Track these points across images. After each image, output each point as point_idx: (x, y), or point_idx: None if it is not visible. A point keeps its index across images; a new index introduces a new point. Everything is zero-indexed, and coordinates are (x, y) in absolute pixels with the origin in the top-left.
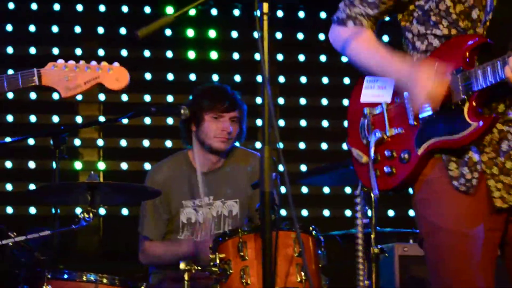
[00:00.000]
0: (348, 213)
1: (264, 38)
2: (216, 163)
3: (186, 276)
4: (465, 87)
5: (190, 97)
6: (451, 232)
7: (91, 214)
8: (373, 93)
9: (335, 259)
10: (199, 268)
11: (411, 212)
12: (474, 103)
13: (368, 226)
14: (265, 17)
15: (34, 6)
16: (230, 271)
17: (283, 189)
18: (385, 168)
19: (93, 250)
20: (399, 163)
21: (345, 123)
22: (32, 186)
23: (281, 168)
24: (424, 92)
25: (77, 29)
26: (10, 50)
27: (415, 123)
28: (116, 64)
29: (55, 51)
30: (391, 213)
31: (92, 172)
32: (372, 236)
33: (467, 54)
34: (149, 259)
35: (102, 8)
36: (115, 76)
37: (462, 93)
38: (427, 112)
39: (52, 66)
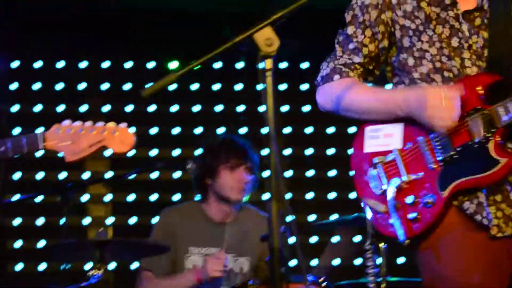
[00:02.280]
0: (358, 261)
1: (268, 93)
2: (229, 215)
3: None
4: (487, 125)
5: (201, 150)
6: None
7: (100, 271)
8: (379, 142)
9: None
10: None
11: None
12: (498, 140)
13: (379, 275)
14: (268, 73)
15: (38, 64)
16: None
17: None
18: (408, 215)
19: None
20: (423, 208)
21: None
22: (41, 243)
23: (289, 218)
24: (437, 113)
25: (82, 86)
26: (15, 108)
27: (435, 166)
28: (122, 125)
29: (60, 108)
30: (401, 260)
31: (101, 229)
32: (383, 286)
33: (483, 92)
34: None
35: (105, 64)
36: (121, 139)
37: (484, 131)
38: (448, 153)
39: (56, 129)
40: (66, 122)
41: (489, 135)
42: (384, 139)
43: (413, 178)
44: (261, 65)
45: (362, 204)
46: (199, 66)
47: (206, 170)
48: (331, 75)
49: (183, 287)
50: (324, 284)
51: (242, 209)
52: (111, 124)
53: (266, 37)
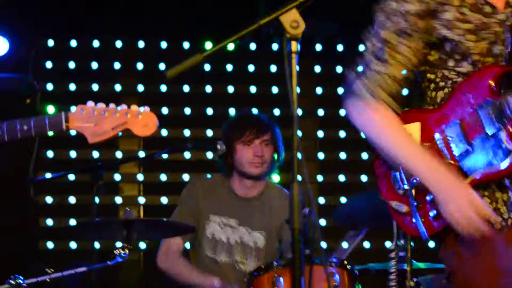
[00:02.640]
0: (388, 244)
1: (293, 75)
2: (251, 190)
3: None
4: (499, 116)
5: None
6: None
7: (126, 250)
8: None
9: None
10: None
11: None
12: (511, 130)
13: (404, 259)
14: (293, 55)
15: (73, 43)
16: None
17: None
18: (430, 213)
19: (134, 285)
20: None
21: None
22: (72, 221)
23: (321, 201)
24: (460, 216)
25: (117, 65)
26: (50, 86)
27: (452, 162)
28: (146, 108)
29: (95, 87)
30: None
31: (128, 209)
32: (408, 269)
33: (493, 84)
34: (166, 265)
35: (141, 44)
36: (144, 122)
37: (496, 122)
38: (464, 149)
39: (80, 110)
40: (90, 104)
41: (502, 125)
42: None
43: None
44: (287, 47)
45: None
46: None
47: (226, 148)
48: (363, 93)
49: (194, 282)
50: (349, 266)
51: (267, 186)
52: (135, 107)
53: (292, 19)
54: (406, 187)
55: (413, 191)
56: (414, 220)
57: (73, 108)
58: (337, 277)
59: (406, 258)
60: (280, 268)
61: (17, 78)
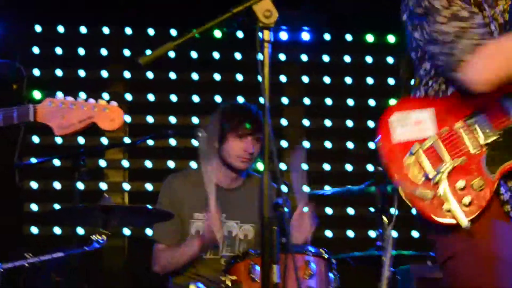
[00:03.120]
0: (372, 234)
1: (265, 64)
2: (234, 181)
3: None
4: None
5: (216, 113)
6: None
7: (104, 236)
8: (409, 129)
9: (349, 281)
10: None
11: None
12: None
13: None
14: (266, 45)
15: (61, 29)
16: None
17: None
18: (463, 199)
19: (118, 271)
20: (475, 192)
21: (371, 145)
22: (57, 207)
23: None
24: None
25: (104, 52)
26: (37, 72)
27: (479, 149)
28: (113, 103)
29: (82, 73)
30: (415, 234)
31: (106, 195)
32: (385, 258)
33: None
34: (160, 265)
35: (128, 31)
36: (110, 117)
37: None
38: (493, 137)
39: (49, 103)
40: (59, 96)
41: None
42: (414, 126)
43: (458, 163)
44: (259, 36)
45: (400, 192)
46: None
47: (217, 133)
48: (468, 52)
49: (190, 253)
50: (326, 255)
51: (248, 177)
52: (102, 102)
53: (265, 8)
54: (430, 173)
55: (443, 177)
56: (447, 207)
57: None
58: (313, 265)
59: (383, 247)
60: (256, 256)
61: (4, 64)
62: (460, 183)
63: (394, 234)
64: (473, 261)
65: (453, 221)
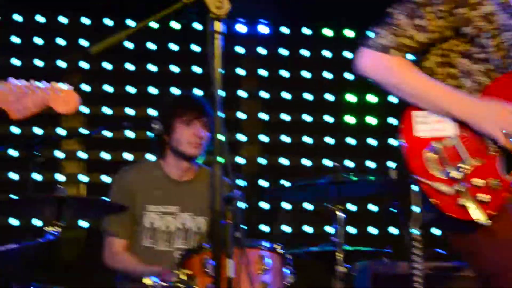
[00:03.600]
0: (328, 229)
1: (216, 55)
2: (187, 172)
3: None
4: None
5: (160, 107)
6: None
7: (57, 228)
8: (430, 127)
9: (304, 277)
10: (166, 284)
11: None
12: None
13: (335, 244)
14: (217, 36)
15: (18, 18)
16: (195, 287)
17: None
18: (479, 198)
19: (75, 262)
20: (492, 191)
21: (328, 140)
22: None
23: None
24: (499, 131)
25: (60, 42)
26: None
27: (496, 151)
28: (67, 86)
29: (38, 63)
30: (373, 230)
31: (60, 186)
32: (338, 254)
33: None
34: (113, 264)
35: (86, 21)
36: (65, 100)
37: None
38: None
39: (1, 87)
40: (12, 80)
41: None
42: (435, 124)
43: (477, 163)
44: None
45: (417, 184)
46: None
47: (164, 125)
48: (388, 47)
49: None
50: (280, 251)
51: (200, 169)
52: (56, 85)
53: None
54: (450, 171)
55: (462, 175)
56: (461, 203)
57: None
58: (268, 260)
59: (337, 243)
60: (211, 250)
61: None
62: (478, 182)
63: (353, 230)
64: (494, 247)
65: (469, 218)
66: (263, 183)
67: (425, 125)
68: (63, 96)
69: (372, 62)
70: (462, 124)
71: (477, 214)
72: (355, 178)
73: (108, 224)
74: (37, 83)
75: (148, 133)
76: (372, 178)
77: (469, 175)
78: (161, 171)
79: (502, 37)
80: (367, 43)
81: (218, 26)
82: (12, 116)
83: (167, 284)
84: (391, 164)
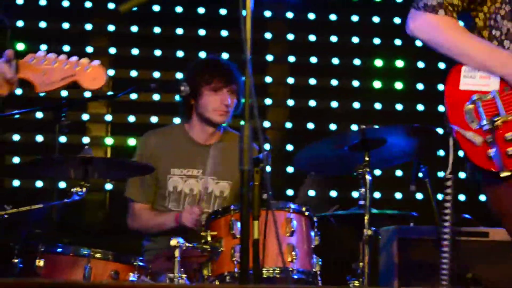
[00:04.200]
0: (355, 194)
1: (247, 17)
2: (212, 136)
3: (176, 253)
4: None
5: (187, 70)
6: None
7: (84, 189)
8: (476, 82)
9: (329, 240)
10: (190, 245)
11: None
12: None
13: (363, 207)
14: None
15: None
16: (221, 249)
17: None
18: (508, 150)
19: (100, 225)
20: None
21: (421, 107)
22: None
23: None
24: None
25: (88, 4)
26: (20, 23)
27: None
28: (96, 62)
29: (65, 25)
30: (398, 195)
31: (87, 146)
32: (366, 218)
33: None
34: (135, 225)
35: None
36: (93, 76)
37: None
38: None
39: (30, 58)
40: (41, 53)
41: None
42: (481, 79)
43: (511, 118)
44: None
45: (453, 133)
46: None
47: (190, 90)
48: (437, 8)
49: (165, 226)
50: (307, 213)
51: (225, 132)
52: (85, 60)
53: None
54: (484, 123)
55: (494, 127)
56: (490, 154)
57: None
58: (294, 223)
59: (365, 206)
60: (237, 211)
61: None
62: (509, 135)
63: (377, 194)
64: None
65: (493, 169)
66: (290, 147)
67: (471, 79)
68: (90, 72)
69: (420, 23)
70: (505, 80)
71: (496, 164)
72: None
73: (128, 189)
74: (66, 57)
75: (176, 96)
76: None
77: (502, 128)
78: (185, 134)
79: None
80: (416, 5)
81: None
82: (37, 89)
83: (192, 244)
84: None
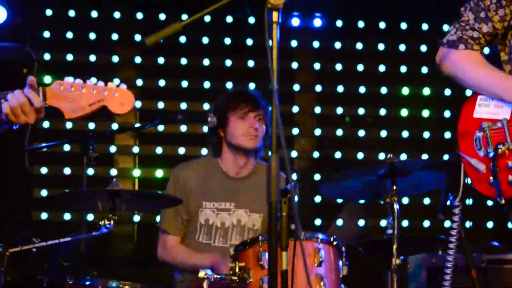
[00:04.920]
0: (383, 223)
1: (274, 46)
2: (244, 168)
3: (205, 285)
4: None
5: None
6: None
7: (112, 221)
8: (489, 110)
9: (357, 269)
10: (219, 276)
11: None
12: None
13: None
14: (275, 26)
15: (71, 13)
16: (250, 280)
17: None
18: (509, 178)
19: (128, 257)
20: None
21: (448, 134)
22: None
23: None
24: None
25: (114, 36)
26: (47, 56)
27: None
28: (123, 86)
29: (92, 58)
30: (426, 223)
31: (114, 179)
32: (394, 246)
33: None
34: (167, 258)
35: (139, 15)
36: (121, 100)
37: None
38: None
39: (58, 86)
40: (68, 80)
41: None
42: (494, 108)
43: None
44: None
45: (461, 160)
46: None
47: (218, 120)
48: (456, 43)
49: (199, 267)
50: (335, 243)
51: (258, 164)
52: (112, 85)
53: None
54: (489, 150)
55: (498, 154)
56: (491, 181)
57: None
58: (322, 253)
59: (393, 235)
60: (265, 242)
61: (15, 47)
62: (511, 164)
63: (405, 223)
64: None
65: (493, 196)
66: (317, 176)
67: (485, 108)
68: (118, 97)
69: (443, 58)
70: None
71: (498, 192)
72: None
73: (162, 220)
74: (93, 83)
75: (204, 127)
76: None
77: (505, 156)
78: (218, 168)
79: None
80: (442, 42)
81: (276, 16)
82: (66, 116)
83: (220, 276)
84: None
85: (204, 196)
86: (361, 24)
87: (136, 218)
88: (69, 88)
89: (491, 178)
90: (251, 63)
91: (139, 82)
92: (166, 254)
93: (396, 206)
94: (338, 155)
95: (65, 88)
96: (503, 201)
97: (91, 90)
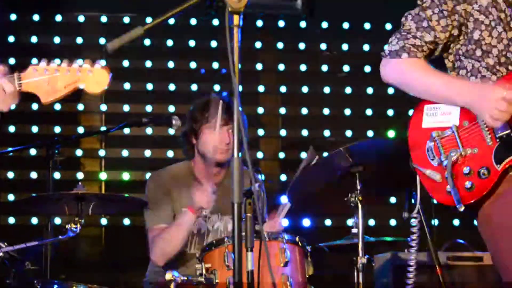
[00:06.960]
0: (349, 222)
1: (235, 49)
2: (217, 175)
3: (172, 286)
4: None
5: (190, 108)
6: None
7: (78, 225)
8: (437, 119)
9: (324, 269)
10: (185, 278)
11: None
12: None
13: (356, 235)
14: (236, 29)
15: (35, 18)
16: (216, 281)
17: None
18: (466, 184)
19: (96, 261)
20: (478, 179)
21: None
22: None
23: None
24: (494, 114)
25: (79, 40)
26: (11, 38)
27: (491, 142)
28: (98, 65)
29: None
30: (393, 222)
31: (80, 183)
32: (360, 245)
33: None
34: (157, 251)
35: (103, 19)
36: (96, 79)
37: None
38: (505, 131)
39: (33, 70)
40: (43, 63)
41: None
42: (441, 116)
43: (469, 152)
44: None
45: (416, 173)
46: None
47: (191, 128)
48: (399, 52)
49: (186, 225)
50: (300, 243)
51: (229, 167)
52: (86, 65)
53: None
54: (443, 159)
55: (451, 162)
56: (449, 190)
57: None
58: (288, 253)
59: (358, 233)
60: (230, 243)
61: None
62: (466, 170)
63: (371, 222)
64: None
65: (452, 204)
66: (283, 177)
67: (432, 117)
68: (93, 76)
69: (387, 69)
70: (464, 116)
71: (456, 199)
72: None
73: (151, 219)
74: (67, 64)
75: (170, 130)
76: None
77: (458, 163)
78: (191, 174)
79: (498, 30)
80: (384, 53)
81: (237, 20)
82: (43, 99)
83: (186, 278)
84: None
85: (183, 203)
86: (324, 24)
87: (104, 221)
88: (45, 72)
89: (448, 186)
90: (215, 65)
91: None
92: (155, 247)
93: (360, 205)
94: (303, 155)
95: (41, 72)
96: (462, 208)
97: (66, 72)
